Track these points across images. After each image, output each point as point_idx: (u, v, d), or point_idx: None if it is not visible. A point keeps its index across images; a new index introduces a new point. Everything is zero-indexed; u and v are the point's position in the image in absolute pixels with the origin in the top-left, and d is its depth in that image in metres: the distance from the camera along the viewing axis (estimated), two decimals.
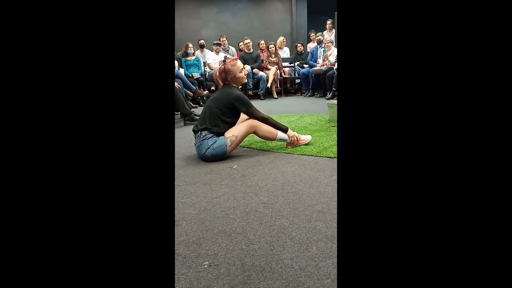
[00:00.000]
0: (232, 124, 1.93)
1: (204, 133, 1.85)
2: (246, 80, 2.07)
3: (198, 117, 3.26)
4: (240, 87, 2.08)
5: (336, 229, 1.01)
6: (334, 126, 2.62)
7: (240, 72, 1.97)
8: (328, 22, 5.42)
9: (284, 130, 1.97)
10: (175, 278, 0.82)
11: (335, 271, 0.81)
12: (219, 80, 2.00)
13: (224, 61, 1.99)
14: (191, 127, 3.08)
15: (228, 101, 1.87)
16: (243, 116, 1.99)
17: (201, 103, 4.73)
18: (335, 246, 0.92)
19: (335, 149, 1.94)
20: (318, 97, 5.00)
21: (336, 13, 4.60)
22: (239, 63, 1.99)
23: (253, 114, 1.91)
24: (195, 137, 1.93)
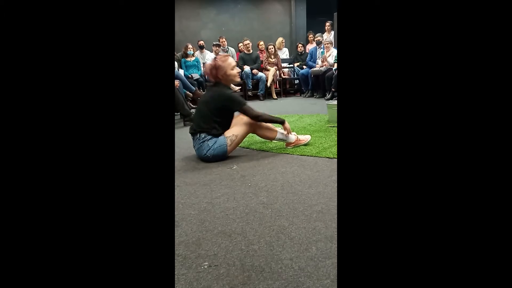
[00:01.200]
0: (228, 123, 1.93)
1: (203, 135, 1.85)
2: (238, 79, 2.05)
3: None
4: (238, 88, 2.10)
5: (335, 230, 1.01)
6: (333, 126, 2.63)
7: (232, 69, 1.91)
8: (327, 23, 5.43)
9: (281, 122, 1.97)
10: (175, 279, 0.82)
11: (335, 271, 0.81)
12: (210, 77, 1.97)
13: (215, 57, 1.96)
14: None
15: (219, 102, 1.86)
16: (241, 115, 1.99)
17: None
18: (334, 246, 0.92)
19: (334, 149, 1.95)
20: (317, 97, 5.01)
21: (335, 14, 4.61)
22: (231, 60, 1.93)
23: (247, 112, 1.90)
24: (193, 140, 1.93)
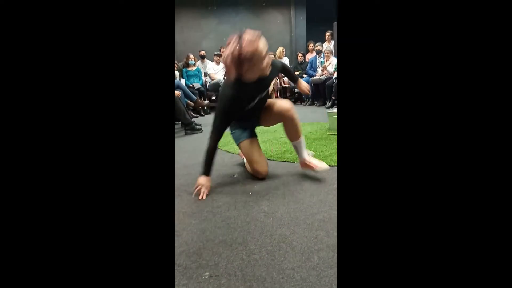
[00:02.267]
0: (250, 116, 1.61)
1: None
2: (268, 71, 1.35)
3: (200, 127, 3.26)
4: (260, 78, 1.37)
5: None
6: (334, 134, 2.63)
7: (264, 57, 1.26)
8: (327, 33, 5.49)
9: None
10: None
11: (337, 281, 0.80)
12: (232, 70, 1.25)
13: (239, 38, 1.22)
14: (192, 136, 3.10)
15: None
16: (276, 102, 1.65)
17: (202, 113, 4.79)
18: (336, 255, 0.91)
19: (335, 157, 1.94)
20: (318, 106, 5.03)
21: (335, 23, 4.66)
22: (262, 45, 1.25)
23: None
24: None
